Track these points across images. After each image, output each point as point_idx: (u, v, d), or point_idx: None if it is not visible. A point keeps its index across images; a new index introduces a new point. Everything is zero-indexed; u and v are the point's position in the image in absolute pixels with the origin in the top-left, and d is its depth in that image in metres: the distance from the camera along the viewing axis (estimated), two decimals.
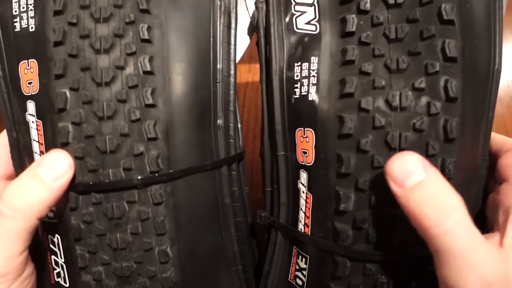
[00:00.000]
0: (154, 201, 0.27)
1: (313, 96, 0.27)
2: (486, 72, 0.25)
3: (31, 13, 0.27)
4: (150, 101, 0.26)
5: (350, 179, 0.25)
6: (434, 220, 0.21)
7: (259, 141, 0.33)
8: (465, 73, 0.25)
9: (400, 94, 0.24)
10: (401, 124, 0.25)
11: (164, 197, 0.27)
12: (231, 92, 0.31)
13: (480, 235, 0.22)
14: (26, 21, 0.27)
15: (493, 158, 0.29)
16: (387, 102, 0.25)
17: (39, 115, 0.27)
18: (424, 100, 0.24)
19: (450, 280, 0.21)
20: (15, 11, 0.27)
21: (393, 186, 0.23)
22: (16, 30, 0.27)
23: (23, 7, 0.27)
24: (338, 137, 0.26)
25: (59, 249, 0.28)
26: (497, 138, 0.29)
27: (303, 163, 0.28)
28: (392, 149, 0.25)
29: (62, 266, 0.29)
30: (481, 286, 0.21)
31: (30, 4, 0.27)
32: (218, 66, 0.29)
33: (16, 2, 0.27)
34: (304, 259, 0.29)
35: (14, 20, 0.27)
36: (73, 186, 0.26)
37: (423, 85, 0.24)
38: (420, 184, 0.22)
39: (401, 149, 0.24)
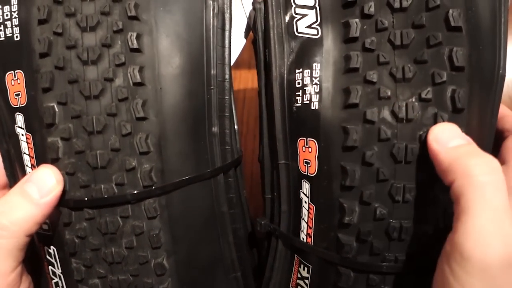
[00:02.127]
0: (148, 215, 0.26)
1: (316, 105, 0.26)
2: (491, 78, 0.24)
3: (15, 21, 0.26)
4: (141, 114, 0.25)
5: (355, 192, 0.25)
6: (481, 169, 0.21)
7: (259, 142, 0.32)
8: (471, 81, 0.24)
9: (407, 105, 0.24)
10: (407, 136, 0.24)
11: (159, 211, 0.27)
12: (226, 97, 0.30)
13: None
14: (10, 30, 0.26)
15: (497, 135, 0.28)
16: (393, 113, 0.24)
17: (28, 128, 0.26)
18: (431, 111, 0.24)
19: (470, 238, 0.20)
20: None
21: (435, 146, 0.23)
22: (0, 39, 0.26)
23: (7, 15, 0.26)
24: (342, 149, 0.25)
25: (55, 260, 0.28)
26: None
27: (306, 173, 0.27)
28: (397, 162, 0.24)
29: (59, 276, 0.29)
30: (503, 254, 0.19)
31: (14, 12, 0.26)
32: (212, 72, 0.28)
33: None
34: (306, 268, 0.29)
35: None
36: (65, 202, 0.26)
37: (430, 95, 0.24)
38: (466, 144, 0.23)
39: (407, 162, 0.24)
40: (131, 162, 0.26)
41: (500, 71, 0.24)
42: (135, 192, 0.26)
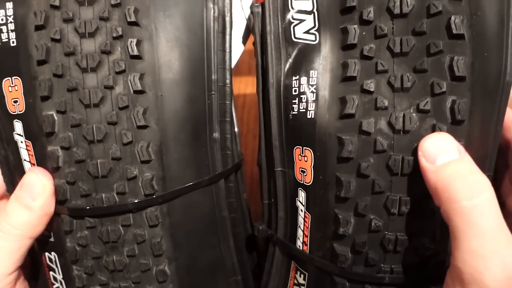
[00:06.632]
0: (150, 223, 0.26)
1: (311, 114, 0.25)
2: (496, 85, 0.23)
3: (11, 26, 0.25)
4: (142, 123, 0.25)
5: (350, 203, 0.25)
6: (464, 194, 0.20)
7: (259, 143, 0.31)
8: (473, 90, 0.23)
9: (404, 116, 0.23)
10: (404, 148, 0.23)
11: (160, 218, 0.27)
12: (227, 101, 0.29)
13: (505, 225, 0.21)
14: (6, 35, 0.26)
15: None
16: (390, 124, 0.23)
17: (28, 135, 0.26)
18: (429, 122, 0.23)
19: (467, 264, 0.20)
20: None
21: (423, 162, 0.22)
22: None
23: (2, 19, 0.26)
24: (337, 160, 0.25)
25: (56, 266, 0.28)
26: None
27: (302, 182, 0.27)
28: (394, 174, 0.24)
29: (61, 282, 0.29)
30: (503, 277, 0.19)
31: (10, 16, 0.25)
32: (212, 77, 0.28)
33: None
34: (302, 275, 0.29)
35: None
36: (66, 210, 0.26)
37: (428, 106, 0.23)
38: (454, 162, 0.22)
39: (403, 174, 0.24)
40: (133, 171, 0.25)
41: (507, 78, 0.23)
42: (137, 201, 0.26)
